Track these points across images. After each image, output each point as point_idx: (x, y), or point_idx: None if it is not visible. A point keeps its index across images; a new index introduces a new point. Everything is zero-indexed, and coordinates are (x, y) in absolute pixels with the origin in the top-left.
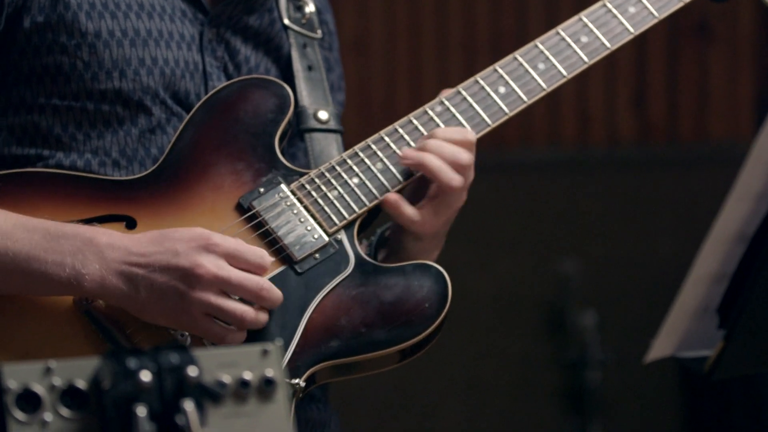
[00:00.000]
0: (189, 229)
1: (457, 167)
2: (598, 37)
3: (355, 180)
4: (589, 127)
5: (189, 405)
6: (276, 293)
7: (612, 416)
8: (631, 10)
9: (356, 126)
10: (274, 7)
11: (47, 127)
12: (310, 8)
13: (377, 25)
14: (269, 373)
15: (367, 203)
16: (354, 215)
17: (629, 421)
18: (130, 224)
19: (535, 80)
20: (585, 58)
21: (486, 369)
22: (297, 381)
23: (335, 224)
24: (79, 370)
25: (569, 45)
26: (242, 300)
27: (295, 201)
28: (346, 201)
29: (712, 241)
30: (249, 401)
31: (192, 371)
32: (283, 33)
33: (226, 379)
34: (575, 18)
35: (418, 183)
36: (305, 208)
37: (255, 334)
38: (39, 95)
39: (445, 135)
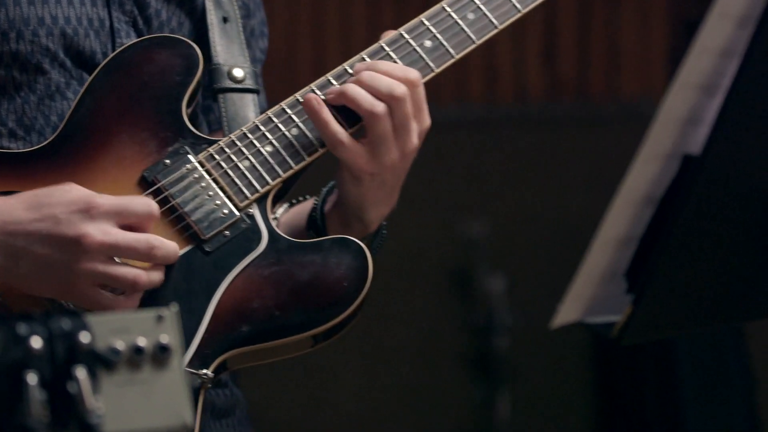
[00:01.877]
0: (67, 189)
1: (384, 96)
2: None
3: (269, 148)
4: (497, 84)
5: (81, 372)
6: (169, 247)
7: (520, 382)
8: None
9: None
10: None
11: None
12: None
13: None
14: (164, 339)
15: (281, 173)
16: (267, 187)
17: (538, 387)
18: None
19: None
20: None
21: (390, 334)
22: (205, 372)
23: (246, 198)
24: None
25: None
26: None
27: (204, 173)
28: (259, 172)
29: (619, 203)
30: (143, 368)
31: (84, 337)
32: None
33: (120, 345)
34: None
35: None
36: (214, 180)
37: None
38: None
39: (380, 67)
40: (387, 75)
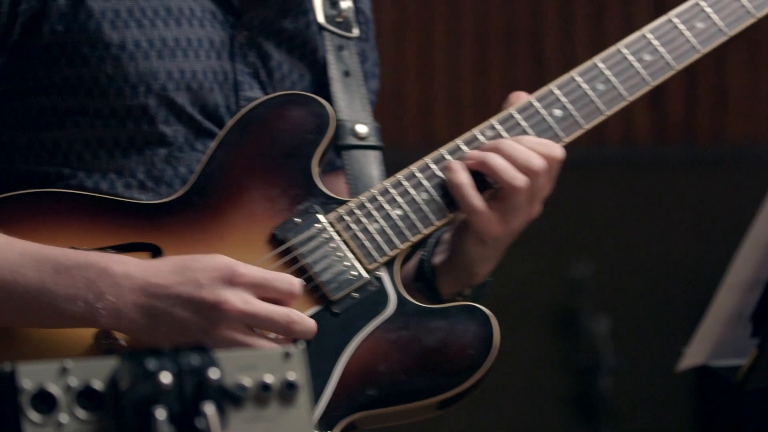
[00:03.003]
0: (212, 257)
1: (525, 170)
2: (662, 56)
3: (398, 212)
4: (605, 126)
5: (209, 408)
6: (308, 323)
7: (623, 424)
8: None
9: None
10: (309, 9)
11: (68, 144)
12: (346, 3)
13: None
14: (291, 376)
15: (410, 238)
16: (396, 251)
17: (641, 429)
18: (156, 254)
19: (594, 102)
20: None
21: (495, 373)
22: None
23: (375, 260)
24: (96, 371)
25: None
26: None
27: (333, 234)
28: (388, 235)
29: (747, 247)
30: (270, 405)
31: (213, 373)
32: (319, 35)
33: (247, 382)
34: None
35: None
36: (344, 242)
37: None
38: (59, 110)
39: (523, 141)
40: (532, 150)
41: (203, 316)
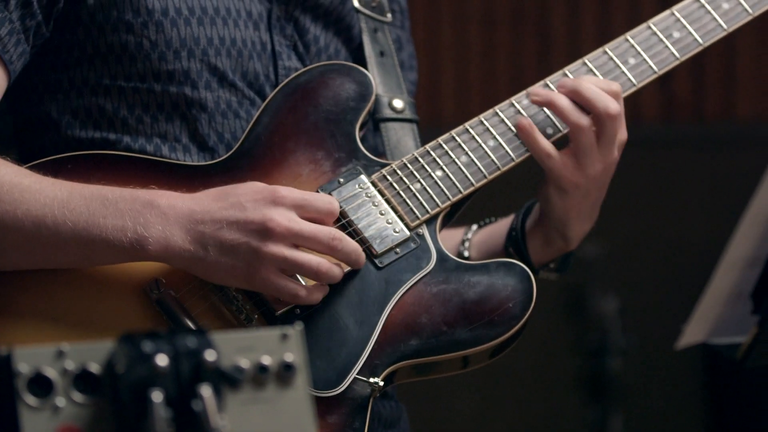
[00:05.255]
0: (251, 183)
1: (595, 110)
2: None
3: (439, 173)
4: None
5: (206, 390)
6: (350, 243)
7: (634, 404)
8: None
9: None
10: None
11: (113, 109)
12: None
13: None
14: (289, 357)
15: (450, 197)
16: (437, 209)
17: (651, 408)
18: None
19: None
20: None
21: (503, 355)
22: (375, 380)
23: (417, 218)
24: (93, 354)
25: (661, 40)
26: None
27: (376, 193)
28: (429, 194)
29: (746, 224)
30: (268, 387)
31: (209, 355)
32: (354, 13)
33: (244, 363)
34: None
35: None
36: (386, 200)
37: (333, 328)
38: (104, 76)
39: (585, 80)
40: (596, 86)
41: (251, 236)
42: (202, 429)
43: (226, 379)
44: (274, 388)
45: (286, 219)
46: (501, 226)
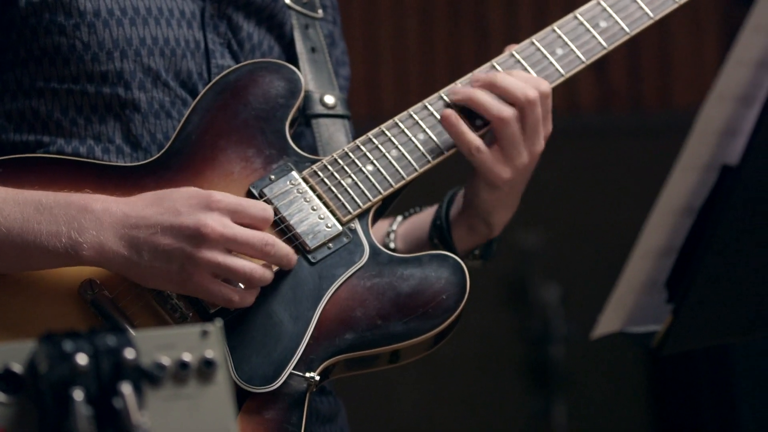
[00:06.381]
0: (186, 188)
1: (512, 99)
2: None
3: (369, 167)
4: None
5: (127, 388)
6: (283, 247)
7: (576, 391)
8: None
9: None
10: None
11: (46, 112)
12: None
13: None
14: (209, 354)
15: (381, 191)
16: (368, 204)
17: (594, 396)
18: None
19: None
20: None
21: (447, 344)
22: (311, 375)
23: (349, 213)
24: (15, 353)
25: (587, 29)
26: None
27: (308, 188)
28: (360, 189)
29: (658, 213)
30: (189, 383)
31: (129, 353)
32: (286, 9)
33: (165, 360)
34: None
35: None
36: (318, 196)
37: (268, 324)
38: (37, 78)
39: (512, 74)
40: (518, 81)
41: (185, 241)
42: (123, 426)
43: (146, 377)
44: (195, 385)
45: (220, 224)
46: (425, 216)
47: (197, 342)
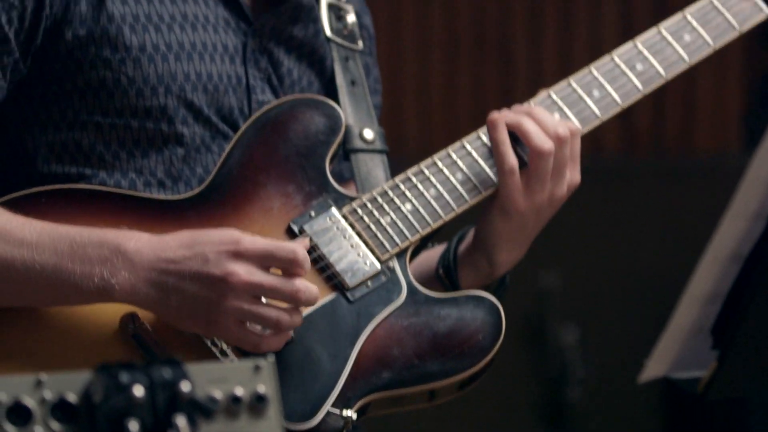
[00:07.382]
0: (219, 231)
1: (553, 135)
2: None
3: (408, 206)
4: None
5: (181, 420)
6: (312, 291)
7: None
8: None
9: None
10: (318, 18)
11: (89, 144)
12: (351, 18)
13: None
14: (261, 389)
15: (419, 231)
16: (407, 243)
17: None
18: None
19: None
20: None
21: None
22: (348, 413)
23: (388, 251)
24: (71, 384)
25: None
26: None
27: (347, 226)
28: (399, 228)
29: (707, 260)
30: (240, 417)
31: (184, 386)
32: (327, 45)
33: (218, 394)
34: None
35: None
36: (357, 233)
37: (306, 361)
38: (81, 112)
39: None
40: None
41: (211, 289)
42: None
43: (200, 410)
44: (246, 419)
45: (246, 272)
46: (433, 253)
47: (249, 376)
